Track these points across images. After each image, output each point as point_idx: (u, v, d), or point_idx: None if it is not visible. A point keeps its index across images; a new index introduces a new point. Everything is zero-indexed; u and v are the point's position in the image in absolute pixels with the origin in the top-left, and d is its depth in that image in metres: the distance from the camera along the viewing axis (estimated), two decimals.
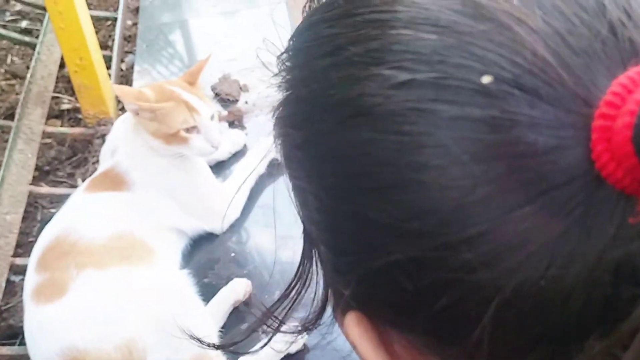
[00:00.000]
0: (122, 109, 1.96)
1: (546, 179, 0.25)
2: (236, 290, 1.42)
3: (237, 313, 1.44)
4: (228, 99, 1.89)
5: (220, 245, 1.57)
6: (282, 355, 1.32)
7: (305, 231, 0.37)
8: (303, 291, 0.40)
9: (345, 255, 0.32)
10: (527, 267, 0.26)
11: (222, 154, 1.71)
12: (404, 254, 0.28)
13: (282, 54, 0.35)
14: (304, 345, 1.34)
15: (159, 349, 1.23)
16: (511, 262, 0.26)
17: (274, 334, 0.43)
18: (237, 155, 1.75)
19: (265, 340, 0.45)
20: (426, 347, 0.32)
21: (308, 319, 0.41)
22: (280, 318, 0.42)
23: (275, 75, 0.35)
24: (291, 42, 0.35)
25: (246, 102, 1.88)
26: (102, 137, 1.85)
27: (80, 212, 1.39)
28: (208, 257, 1.54)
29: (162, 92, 1.40)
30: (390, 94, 0.27)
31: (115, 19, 2.37)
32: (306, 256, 0.38)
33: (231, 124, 1.83)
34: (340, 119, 0.29)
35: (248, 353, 1.24)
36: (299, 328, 0.42)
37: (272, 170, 1.67)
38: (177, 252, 1.50)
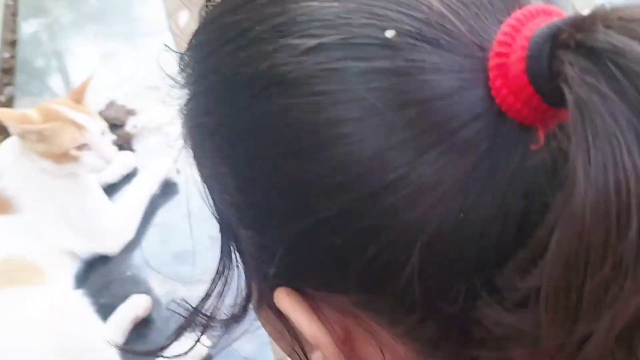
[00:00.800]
0: (3, 139, 1.90)
1: (453, 119, 0.27)
2: (135, 306, 1.41)
3: (138, 330, 1.42)
4: (116, 124, 1.89)
5: (116, 265, 1.55)
6: None
7: (222, 225, 0.37)
8: (226, 287, 0.40)
9: (270, 228, 0.32)
10: (444, 204, 0.27)
11: (112, 176, 1.69)
12: (330, 210, 0.29)
13: (184, 52, 0.35)
14: (208, 354, 1.34)
15: None
16: (430, 200, 0.27)
17: (204, 332, 0.42)
18: (128, 177, 1.75)
19: (195, 339, 0.43)
20: (355, 305, 0.33)
21: (234, 312, 0.41)
22: (207, 314, 0.41)
23: (174, 77, 0.35)
24: (193, 40, 0.35)
25: (135, 126, 1.89)
26: None
27: None
28: (103, 278, 1.52)
29: (47, 113, 1.38)
30: (301, 60, 0.28)
31: None
32: (225, 253, 0.38)
33: (120, 147, 1.82)
34: (253, 93, 0.30)
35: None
36: (228, 320, 0.41)
37: (165, 190, 1.68)
38: (70, 274, 1.46)
